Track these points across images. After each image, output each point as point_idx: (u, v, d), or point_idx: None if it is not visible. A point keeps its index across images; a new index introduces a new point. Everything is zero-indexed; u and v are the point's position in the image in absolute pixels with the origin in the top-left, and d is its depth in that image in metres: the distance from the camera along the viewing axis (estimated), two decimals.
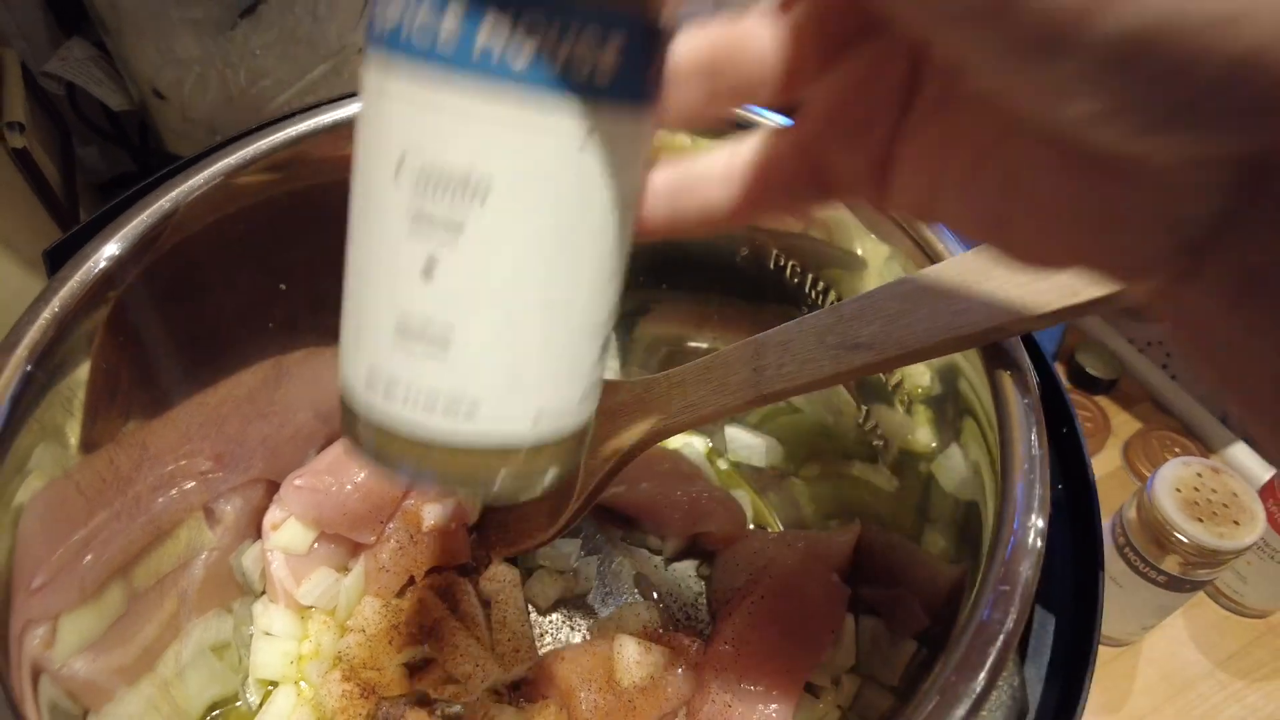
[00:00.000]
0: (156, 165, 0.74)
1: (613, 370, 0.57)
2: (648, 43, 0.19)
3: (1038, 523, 0.30)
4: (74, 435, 0.36)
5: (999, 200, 0.19)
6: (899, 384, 0.39)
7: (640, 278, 0.51)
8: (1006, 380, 0.31)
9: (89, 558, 0.37)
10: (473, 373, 0.19)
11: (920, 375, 0.38)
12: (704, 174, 0.24)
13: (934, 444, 0.37)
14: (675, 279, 0.50)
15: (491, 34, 0.17)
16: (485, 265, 0.19)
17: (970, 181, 0.20)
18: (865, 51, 0.22)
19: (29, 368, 0.32)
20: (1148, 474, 0.64)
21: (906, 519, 0.40)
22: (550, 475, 0.22)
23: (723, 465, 0.55)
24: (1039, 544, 0.29)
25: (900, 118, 0.22)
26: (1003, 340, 0.31)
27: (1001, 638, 0.28)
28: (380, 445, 0.20)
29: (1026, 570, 0.29)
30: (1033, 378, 0.31)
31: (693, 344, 0.53)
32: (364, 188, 0.19)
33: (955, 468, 0.35)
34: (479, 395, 0.19)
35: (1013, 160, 0.19)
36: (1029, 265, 0.21)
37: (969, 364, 0.33)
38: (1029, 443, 0.32)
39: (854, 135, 0.22)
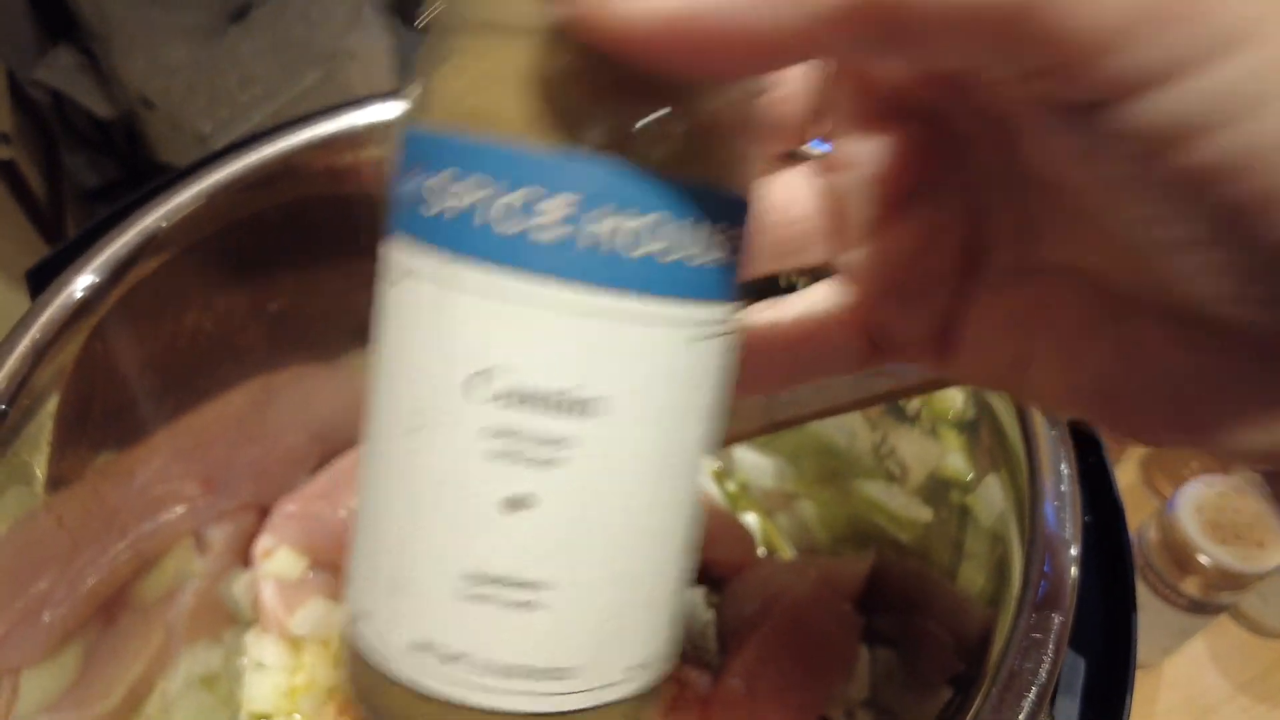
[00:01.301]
0: (146, 173, 0.73)
1: None
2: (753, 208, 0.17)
3: (1070, 564, 0.28)
4: (42, 471, 0.34)
5: (1108, 377, 0.17)
6: (922, 408, 0.37)
7: None
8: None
9: (62, 599, 0.35)
10: (566, 636, 0.16)
11: (951, 397, 0.36)
12: (749, 343, 0.22)
13: (969, 475, 0.35)
14: None
15: (621, 228, 0.14)
16: (592, 494, 0.15)
17: (1069, 357, 0.18)
18: (920, 213, 0.20)
19: (2, 407, 0.30)
20: (1167, 491, 0.62)
21: (942, 553, 0.38)
22: None
23: (730, 486, 0.53)
24: (1072, 586, 0.27)
25: (964, 286, 0.20)
26: None
27: (1034, 689, 0.26)
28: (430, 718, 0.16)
29: (1060, 616, 0.27)
30: None
31: None
32: (406, 398, 0.15)
33: (993, 500, 0.33)
34: (571, 663, 0.16)
35: (1131, 335, 0.16)
36: (1139, 443, 0.19)
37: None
38: (1058, 475, 0.30)
39: (910, 304, 0.20)
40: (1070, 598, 0.27)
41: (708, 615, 0.48)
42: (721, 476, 0.53)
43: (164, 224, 0.36)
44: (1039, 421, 0.29)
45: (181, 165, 0.61)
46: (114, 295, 0.35)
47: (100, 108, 0.59)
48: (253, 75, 0.59)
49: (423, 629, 0.16)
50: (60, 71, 0.59)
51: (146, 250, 0.35)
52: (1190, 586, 0.51)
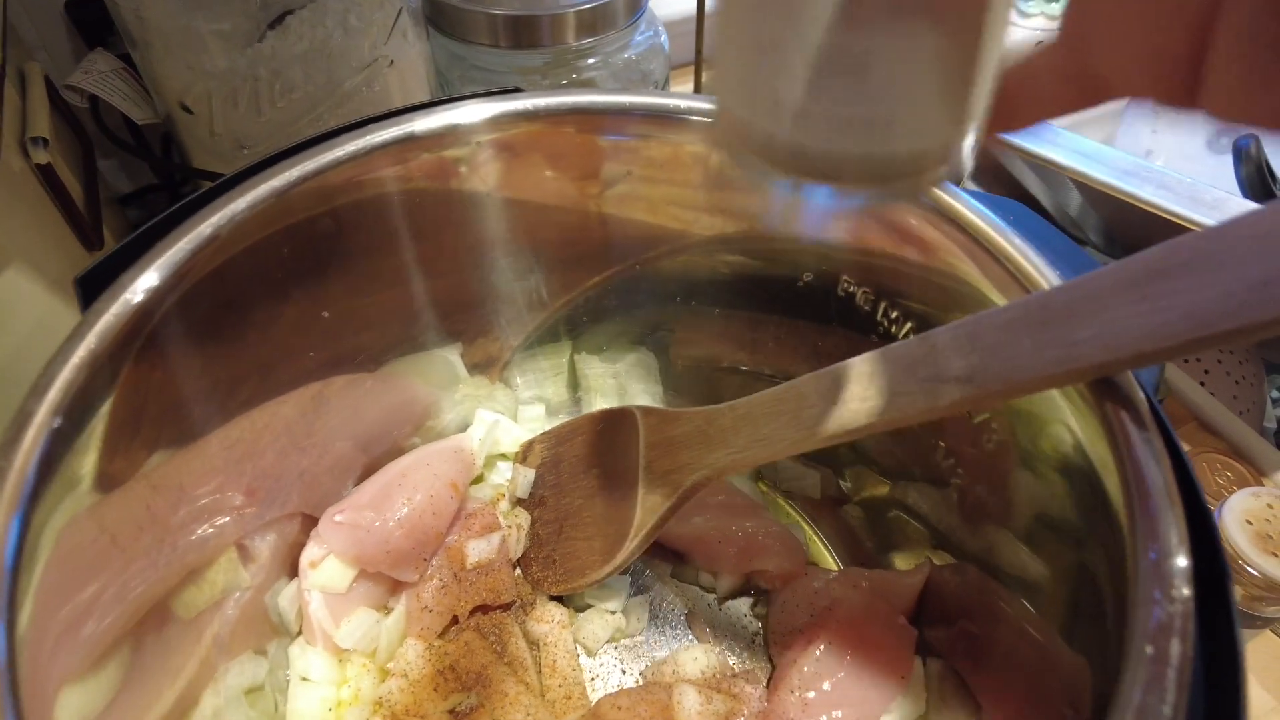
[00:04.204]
0: (179, 179, 0.72)
1: (654, 396, 0.54)
2: None
3: (1183, 621, 0.25)
4: (92, 479, 0.33)
5: None
6: (987, 420, 0.36)
7: (684, 296, 0.49)
8: (1125, 423, 0.28)
9: (101, 616, 0.34)
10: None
11: (1060, 437, 0.33)
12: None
13: (1042, 490, 0.34)
14: (727, 300, 0.48)
15: None
16: None
17: None
18: None
19: (58, 422, 0.29)
20: (1212, 501, 0.62)
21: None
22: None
23: (769, 491, 0.52)
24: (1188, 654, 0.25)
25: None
26: (1115, 375, 0.29)
27: None
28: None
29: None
30: (1153, 418, 0.28)
31: (743, 369, 0.51)
32: None
33: (1069, 520, 0.32)
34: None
35: None
36: None
37: (1071, 401, 0.31)
38: (1165, 517, 0.27)
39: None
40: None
41: (754, 626, 0.47)
42: (764, 486, 0.52)
43: (218, 230, 0.36)
44: (1133, 441, 0.27)
45: (217, 171, 0.61)
46: (169, 302, 0.34)
47: (136, 113, 0.59)
48: (291, 82, 0.58)
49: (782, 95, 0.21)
50: (97, 77, 0.58)
51: (200, 257, 0.35)
52: (1236, 598, 0.50)
